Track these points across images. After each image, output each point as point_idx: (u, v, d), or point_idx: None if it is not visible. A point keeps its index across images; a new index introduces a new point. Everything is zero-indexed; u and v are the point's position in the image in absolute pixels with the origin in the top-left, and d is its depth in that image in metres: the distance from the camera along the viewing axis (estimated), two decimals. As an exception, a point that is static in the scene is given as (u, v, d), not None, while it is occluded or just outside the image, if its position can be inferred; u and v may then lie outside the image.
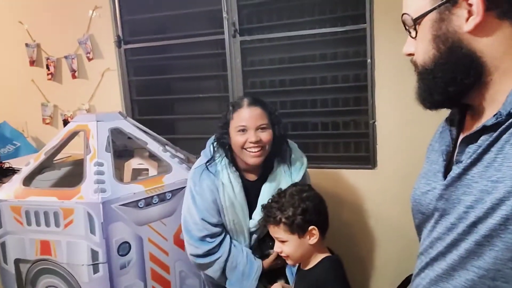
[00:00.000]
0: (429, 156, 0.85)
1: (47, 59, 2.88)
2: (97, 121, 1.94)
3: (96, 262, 1.73)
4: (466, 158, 0.70)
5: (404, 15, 0.75)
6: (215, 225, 1.65)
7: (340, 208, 2.31)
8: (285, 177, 1.69)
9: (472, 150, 0.69)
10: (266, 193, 1.65)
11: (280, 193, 1.44)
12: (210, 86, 2.69)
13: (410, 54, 0.77)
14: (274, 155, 1.68)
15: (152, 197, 1.85)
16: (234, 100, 1.71)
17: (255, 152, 1.59)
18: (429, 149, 0.88)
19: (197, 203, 1.65)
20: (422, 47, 0.73)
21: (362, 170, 2.27)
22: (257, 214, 1.65)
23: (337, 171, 2.32)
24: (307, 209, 1.35)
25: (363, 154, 2.29)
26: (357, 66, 2.22)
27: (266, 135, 1.60)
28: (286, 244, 1.37)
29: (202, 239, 1.64)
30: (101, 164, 1.80)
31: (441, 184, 0.74)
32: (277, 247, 1.40)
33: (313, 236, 1.35)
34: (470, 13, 0.67)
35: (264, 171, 1.70)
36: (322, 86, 2.30)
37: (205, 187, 1.64)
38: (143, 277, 1.86)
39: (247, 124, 1.58)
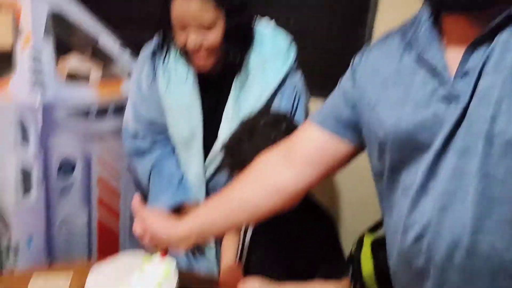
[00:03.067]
0: (404, 78, 0.67)
1: None
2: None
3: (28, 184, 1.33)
4: (476, 65, 0.59)
5: None
6: (147, 123, 1.30)
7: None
8: (259, 76, 1.23)
9: (481, 55, 0.59)
10: (233, 104, 1.23)
11: (250, 128, 1.01)
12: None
13: None
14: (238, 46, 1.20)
15: (107, 105, 1.44)
16: None
17: (199, 56, 1.17)
18: (386, 72, 0.70)
19: (134, 91, 1.32)
20: None
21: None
22: (220, 142, 1.22)
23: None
24: None
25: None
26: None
27: (211, 37, 1.13)
28: None
29: (133, 134, 1.32)
30: (39, 53, 1.32)
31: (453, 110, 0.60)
32: None
33: None
34: None
35: (229, 61, 1.21)
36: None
37: (144, 74, 1.28)
38: (88, 204, 1.50)
39: (184, 21, 1.13)
